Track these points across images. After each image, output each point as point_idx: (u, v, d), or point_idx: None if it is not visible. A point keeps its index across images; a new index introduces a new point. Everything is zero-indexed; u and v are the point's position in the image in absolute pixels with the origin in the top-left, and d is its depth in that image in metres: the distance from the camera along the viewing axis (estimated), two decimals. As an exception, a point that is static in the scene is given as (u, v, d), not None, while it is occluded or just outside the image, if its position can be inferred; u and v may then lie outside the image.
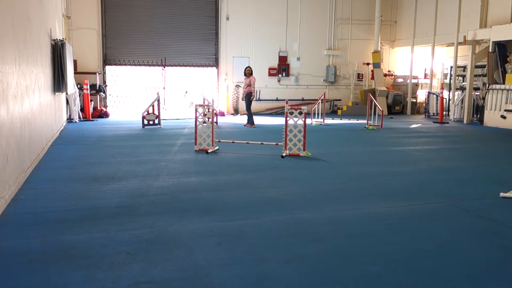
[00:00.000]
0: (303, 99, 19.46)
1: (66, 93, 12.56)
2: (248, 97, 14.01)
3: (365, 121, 14.74)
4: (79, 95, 14.97)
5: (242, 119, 16.17)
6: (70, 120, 14.44)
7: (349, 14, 19.91)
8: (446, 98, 17.75)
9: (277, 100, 19.31)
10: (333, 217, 4.99)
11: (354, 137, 12.10)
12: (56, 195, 5.73)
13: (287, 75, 19.45)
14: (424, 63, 20.01)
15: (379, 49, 19.56)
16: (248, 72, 14.13)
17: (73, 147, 9.59)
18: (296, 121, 8.70)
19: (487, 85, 15.43)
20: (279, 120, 15.16)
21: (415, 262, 3.81)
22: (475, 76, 16.44)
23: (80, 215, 4.88)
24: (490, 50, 15.11)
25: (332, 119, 16.65)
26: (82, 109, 15.28)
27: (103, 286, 3.26)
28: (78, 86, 14.87)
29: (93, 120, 15.07)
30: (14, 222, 4.64)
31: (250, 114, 14.13)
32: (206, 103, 14.33)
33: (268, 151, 9.09)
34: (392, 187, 6.44)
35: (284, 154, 8.66)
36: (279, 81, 19.42)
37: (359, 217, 5.03)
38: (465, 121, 16.24)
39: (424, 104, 19.33)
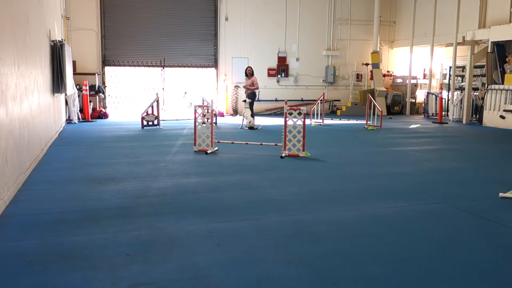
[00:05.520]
0: (302, 100, 19.46)
1: (65, 94, 12.55)
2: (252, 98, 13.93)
3: (364, 122, 14.74)
4: (78, 96, 14.96)
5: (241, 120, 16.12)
6: (69, 121, 14.43)
7: (348, 14, 19.91)
8: (445, 99, 17.75)
9: (276, 100, 19.31)
10: (332, 218, 4.99)
11: (353, 138, 12.10)
12: (55, 196, 5.73)
13: (286, 75, 19.45)
14: (423, 64, 20.02)
15: (378, 49, 19.57)
16: (249, 72, 14.11)
17: (72, 148, 9.59)
18: (295, 121, 8.71)
19: (486, 85, 15.45)
20: (279, 121, 15.15)
21: (415, 262, 3.81)
22: (474, 76, 16.46)
23: (79, 216, 4.88)
24: (489, 51, 15.12)
25: (331, 119, 16.65)
26: (81, 110, 15.27)
27: (102, 287, 3.26)
28: (77, 87, 14.86)
29: (92, 121, 15.06)
30: (13, 223, 4.64)
31: (252, 115, 14.08)
32: (205, 103, 14.32)
33: (267, 152, 9.09)
34: (391, 188, 6.45)
35: (283, 155, 8.66)
36: (278, 81, 19.42)
37: (359, 217, 5.03)
38: (464, 122, 16.25)
39: (423, 105, 19.33)
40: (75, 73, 15.28)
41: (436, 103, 17.75)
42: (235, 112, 18.73)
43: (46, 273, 3.48)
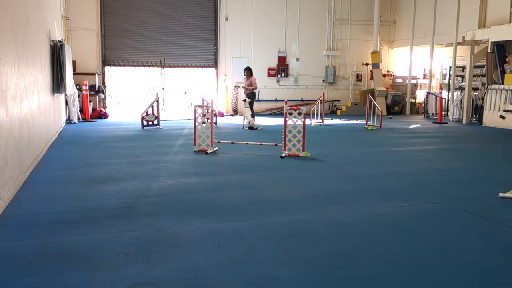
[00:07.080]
0: (302, 100, 19.46)
1: (65, 94, 12.55)
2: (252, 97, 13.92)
3: (364, 122, 14.74)
4: (78, 96, 14.96)
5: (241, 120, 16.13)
6: (69, 121, 14.43)
7: (348, 14, 19.91)
8: (445, 99, 17.75)
9: (276, 100, 19.31)
10: (332, 218, 4.99)
11: (353, 138, 12.10)
12: (55, 196, 5.73)
13: (286, 75, 19.45)
14: (423, 64, 20.02)
15: (378, 49, 19.57)
16: (247, 73, 14.10)
17: (72, 148, 9.59)
18: (295, 121, 8.71)
19: (486, 85, 15.45)
20: (279, 121, 15.15)
21: (415, 262, 3.81)
22: (474, 76, 16.45)
23: (79, 216, 4.88)
24: (489, 51, 15.12)
25: (331, 119, 16.65)
26: (81, 110, 15.26)
27: (102, 287, 3.26)
28: (77, 87, 14.85)
29: (92, 121, 15.06)
30: (13, 224, 4.64)
31: (252, 115, 14.07)
32: (205, 103, 14.32)
33: (267, 152, 9.09)
34: (391, 188, 6.44)
35: (283, 155, 8.65)
36: (278, 81, 19.42)
37: (359, 217, 5.03)
38: (464, 121, 16.25)
39: (423, 105, 19.33)
40: (75, 73, 15.28)
41: (436, 103, 17.74)
42: (235, 112, 18.73)
43: (46, 273, 3.48)
